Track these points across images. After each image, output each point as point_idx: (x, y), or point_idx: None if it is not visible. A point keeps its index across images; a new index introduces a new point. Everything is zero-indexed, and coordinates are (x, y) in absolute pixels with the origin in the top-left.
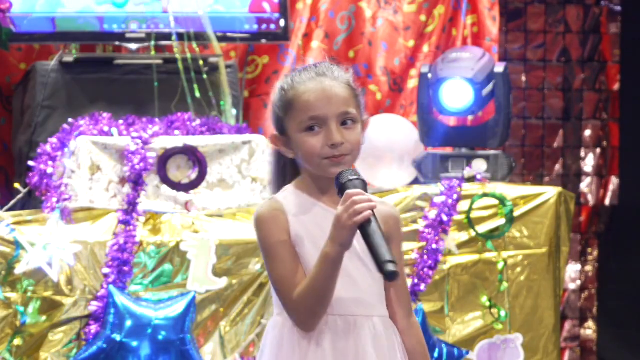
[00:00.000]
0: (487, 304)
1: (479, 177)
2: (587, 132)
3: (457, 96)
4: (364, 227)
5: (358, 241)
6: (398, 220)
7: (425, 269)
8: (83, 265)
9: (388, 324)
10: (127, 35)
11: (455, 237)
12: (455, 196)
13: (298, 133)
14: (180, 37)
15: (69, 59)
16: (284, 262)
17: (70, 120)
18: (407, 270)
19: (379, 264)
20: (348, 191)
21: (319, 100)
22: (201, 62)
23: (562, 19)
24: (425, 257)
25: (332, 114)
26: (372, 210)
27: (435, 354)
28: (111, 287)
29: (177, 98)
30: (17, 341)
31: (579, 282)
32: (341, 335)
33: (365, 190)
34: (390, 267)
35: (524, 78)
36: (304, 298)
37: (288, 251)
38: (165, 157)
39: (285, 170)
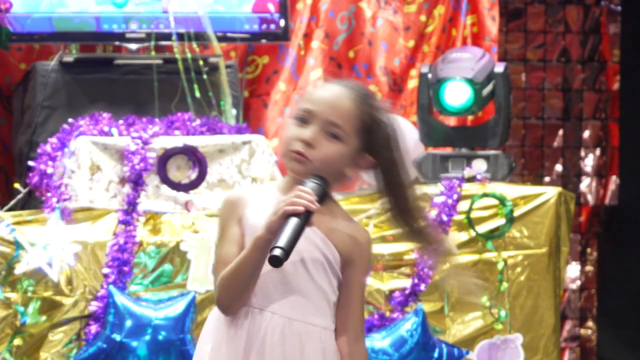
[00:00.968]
0: (487, 304)
1: (479, 177)
2: (587, 132)
3: (457, 96)
4: (289, 218)
5: (309, 251)
6: (362, 245)
7: (425, 269)
8: (83, 265)
9: (319, 334)
10: (127, 35)
11: (455, 237)
12: (455, 196)
13: (290, 118)
14: (180, 37)
15: (69, 59)
16: (225, 243)
17: (70, 120)
18: (407, 270)
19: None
20: (299, 186)
21: (320, 99)
22: (201, 62)
23: (562, 19)
24: (425, 257)
25: (320, 117)
26: (309, 212)
27: (435, 354)
28: (111, 287)
29: (177, 98)
30: (17, 341)
31: (579, 282)
32: (256, 328)
33: (321, 196)
34: (274, 251)
35: (523, 78)
36: (225, 278)
37: (232, 235)
38: (165, 157)
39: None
